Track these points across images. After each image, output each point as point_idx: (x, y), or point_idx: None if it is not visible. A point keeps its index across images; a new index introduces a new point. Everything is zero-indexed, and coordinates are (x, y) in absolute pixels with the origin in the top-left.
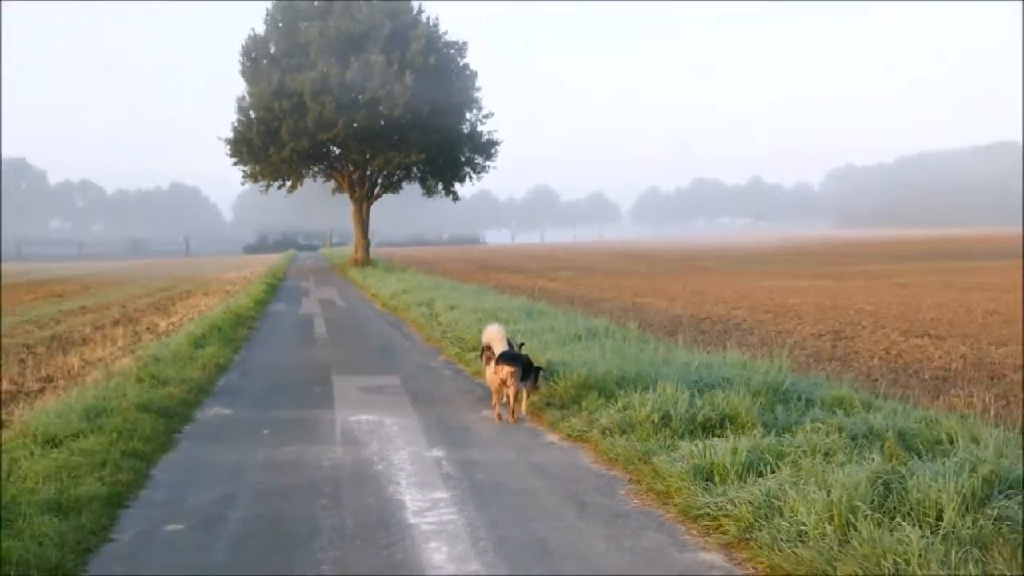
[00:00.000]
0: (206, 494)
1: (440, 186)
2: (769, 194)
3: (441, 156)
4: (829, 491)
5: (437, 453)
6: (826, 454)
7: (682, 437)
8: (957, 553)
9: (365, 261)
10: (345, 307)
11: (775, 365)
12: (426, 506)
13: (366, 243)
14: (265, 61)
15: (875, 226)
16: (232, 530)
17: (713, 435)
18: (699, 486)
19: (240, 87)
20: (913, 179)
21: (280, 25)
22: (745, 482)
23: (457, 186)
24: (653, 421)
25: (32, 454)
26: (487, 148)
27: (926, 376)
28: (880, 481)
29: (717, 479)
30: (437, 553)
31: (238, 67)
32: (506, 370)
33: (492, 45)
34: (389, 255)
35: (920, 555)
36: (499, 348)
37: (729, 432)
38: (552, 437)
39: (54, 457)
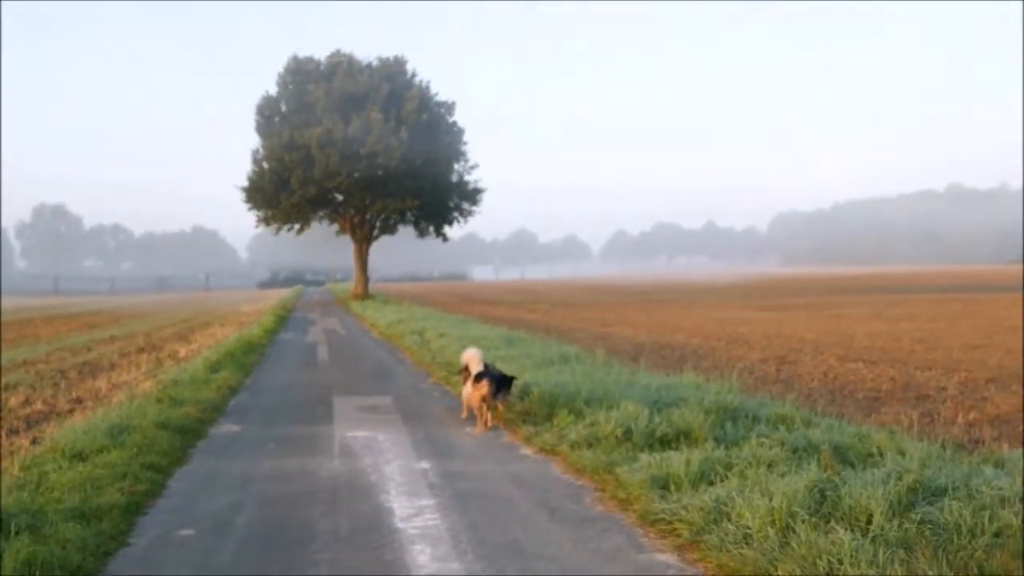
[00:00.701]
0: (216, 502)
1: (431, 228)
2: (722, 236)
3: (432, 202)
4: (771, 498)
5: (424, 465)
6: (769, 465)
7: (642, 450)
8: (884, 554)
9: (365, 295)
10: (346, 335)
11: (726, 386)
12: (413, 512)
13: (366, 279)
14: (277, 118)
15: (814, 264)
16: (238, 534)
17: (670, 448)
18: (656, 494)
19: (254, 141)
20: (847, 223)
21: (290, 86)
22: (697, 490)
23: (446, 228)
24: (616, 436)
25: (60, 467)
26: (473, 195)
27: (860, 396)
28: (817, 489)
29: (672, 488)
30: (422, 554)
31: (253, 124)
32: (485, 387)
33: (481, 99)
34: (386, 290)
35: (851, 556)
36: (476, 369)
37: (684, 446)
38: (527, 450)
39: (79, 470)
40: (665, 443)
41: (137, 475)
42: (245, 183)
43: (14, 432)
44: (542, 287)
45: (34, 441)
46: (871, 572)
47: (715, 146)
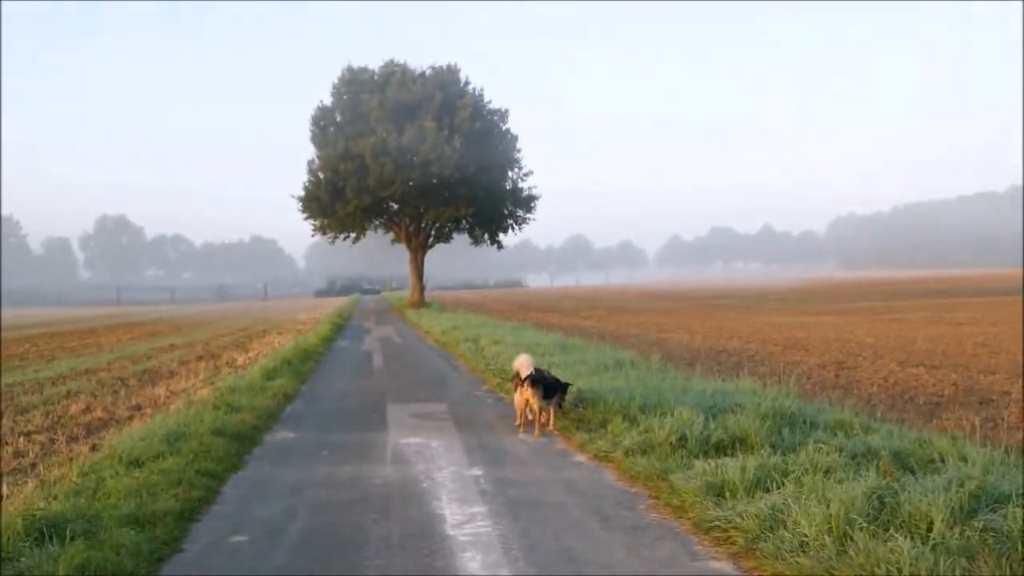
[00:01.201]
0: (269, 508)
1: (486, 236)
2: (778, 241)
3: (486, 210)
4: (828, 505)
5: (476, 472)
6: (826, 471)
7: (697, 457)
8: (945, 562)
9: (420, 303)
10: (401, 343)
11: (783, 392)
12: (464, 519)
13: (421, 287)
14: (331, 128)
15: (873, 268)
16: (290, 541)
17: (725, 455)
18: (711, 501)
19: (310, 152)
20: (906, 226)
21: (344, 97)
22: (753, 497)
23: (501, 236)
24: (671, 443)
25: (117, 474)
26: (527, 203)
27: (920, 401)
28: (875, 496)
29: (728, 495)
30: (472, 561)
31: (308, 134)
32: (528, 390)
33: (536, 106)
34: (442, 298)
35: (911, 564)
36: (524, 374)
37: (739, 452)
38: (580, 457)
39: (136, 476)
40: (720, 449)
41: (192, 481)
42: (301, 193)
43: (74, 439)
44: (597, 293)
45: (93, 448)
46: None
47: (771, 150)
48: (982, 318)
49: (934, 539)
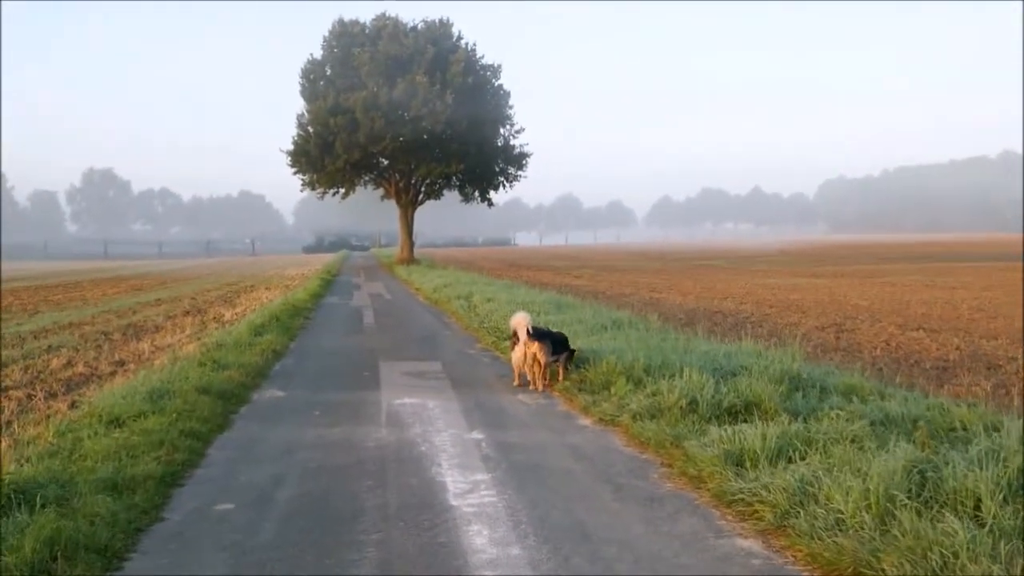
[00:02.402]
0: (257, 473)
1: (476, 193)
2: (768, 203)
3: (478, 167)
4: (865, 479)
5: (477, 435)
6: (853, 440)
7: (708, 422)
8: (1005, 547)
9: (410, 260)
10: (392, 300)
11: (788, 354)
12: (467, 488)
13: (411, 244)
14: (322, 82)
15: (863, 231)
16: (280, 510)
17: (738, 420)
18: (731, 471)
19: (299, 105)
20: (897, 190)
21: (335, 50)
22: (776, 468)
23: (492, 193)
24: (681, 406)
25: (96, 434)
26: (519, 160)
27: (927, 366)
28: (915, 469)
29: (748, 464)
30: (478, 536)
31: (298, 88)
32: (535, 344)
33: (526, 62)
34: (431, 255)
35: (968, 548)
36: (522, 334)
37: (755, 418)
38: (585, 421)
39: (115, 437)
40: (733, 414)
41: (175, 443)
42: (290, 147)
43: (53, 396)
44: (586, 252)
45: (73, 405)
46: (995, 570)
47: (762, 111)
48: (973, 283)
49: (986, 520)
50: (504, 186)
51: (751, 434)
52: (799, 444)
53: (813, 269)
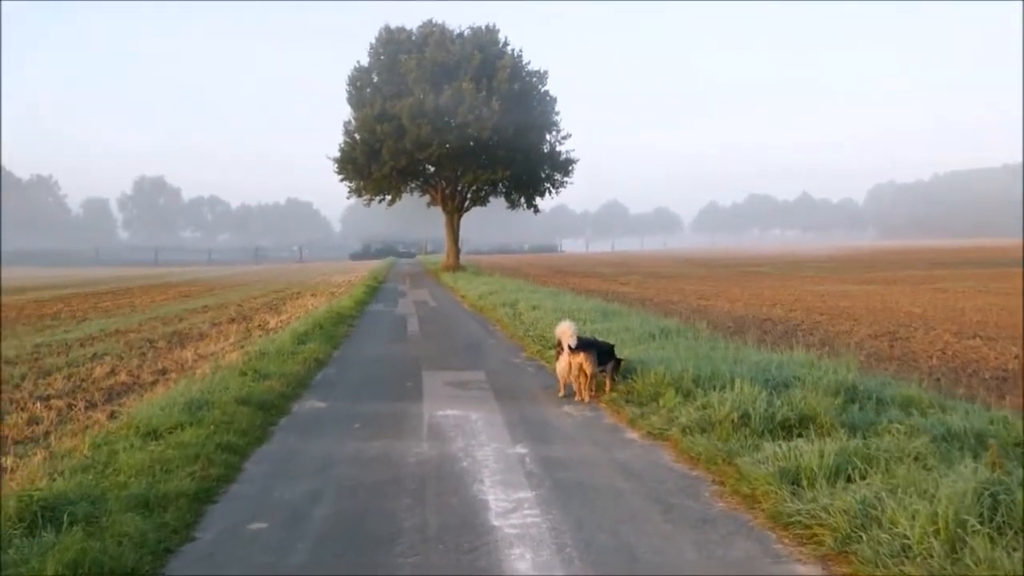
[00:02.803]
0: (293, 490)
1: (523, 200)
2: (817, 208)
3: (524, 173)
4: (932, 501)
5: (520, 450)
6: (916, 458)
7: (761, 436)
8: None
9: (456, 267)
10: (436, 307)
11: (842, 364)
12: (510, 507)
13: (457, 250)
14: (368, 89)
15: (913, 237)
16: (314, 530)
17: (792, 435)
18: (787, 490)
19: (346, 112)
20: (947, 195)
21: (382, 57)
22: (835, 488)
23: (538, 200)
24: (732, 420)
25: (131, 446)
26: (565, 166)
27: (987, 376)
28: (987, 492)
29: (805, 483)
30: (521, 560)
31: (344, 95)
32: (581, 355)
33: (573, 69)
34: (477, 262)
35: None
36: (566, 342)
37: (809, 432)
38: (632, 434)
39: (151, 450)
40: (787, 429)
41: (211, 457)
42: (337, 154)
43: (93, 405)
44: (633, 259)
45: (111, 416)
46: None
47: (811, 116)
48: None
49: None
50: (550, 192)
51: (807, 450)
52: (859, 462)
53: (863, 275)
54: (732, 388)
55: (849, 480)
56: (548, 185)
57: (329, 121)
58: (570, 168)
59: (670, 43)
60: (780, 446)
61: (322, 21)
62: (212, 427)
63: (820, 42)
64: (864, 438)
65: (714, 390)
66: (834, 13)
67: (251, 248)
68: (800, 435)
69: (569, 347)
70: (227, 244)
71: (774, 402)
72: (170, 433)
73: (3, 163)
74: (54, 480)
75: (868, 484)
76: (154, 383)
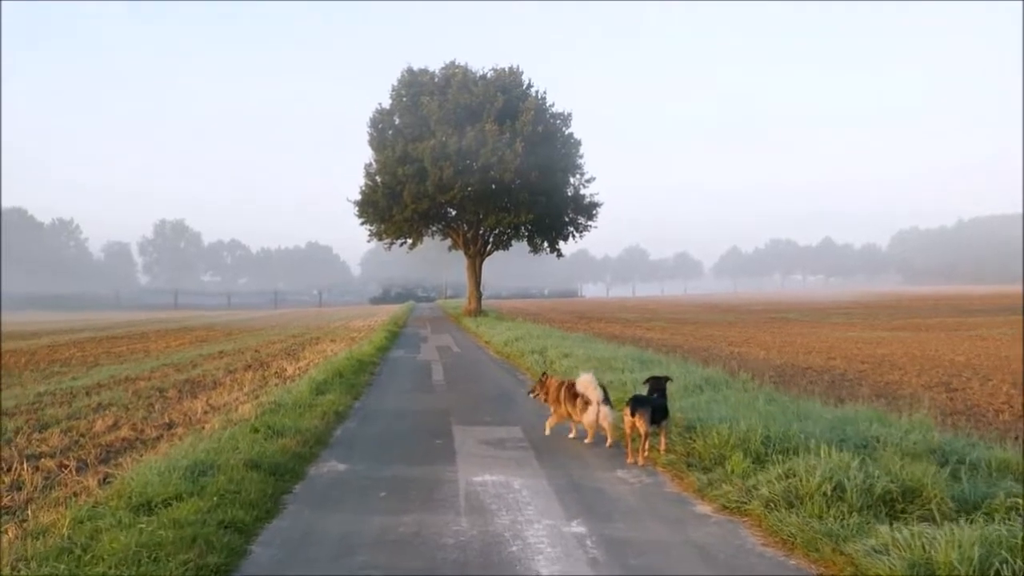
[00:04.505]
0: None
1: (545, 244)
2: (840, 254)
3: (547, 216)
4: None
5: (578, 528)
6: None
7: (859, 513)
8: None
9: (477, 311)
10: (461, 354)
11: (917, 422)
12: None
13: (479, 295)
14: (390, 131)
15: (937, 283)
16: None
17: (897, 513)
18: None
19: (367, 155)
20: (972, 240)
21: (404, 99)
22: None
23: (561, 244)
24: (825, 493)
25: (119, 523)
26: (589, 210)
27: None
28: None
29: None
30: None
31: (366, 137)
32: (639, 416)
33: (594, 114)
34: (498, 306)
35: None
36: (593, 396)
37: (915, 508)
38: (704, 507)
39: (141, 528)
40: (888, 504)
41: (211, 539)
42: (358, 196)
43: (85, 467)
44: (655, 304)
45: (104, 480)
46: None
47: (834, 162)
48: None
49: None
50: (574, 236)
51: (942, 539)
52: (1007, 555)
53: (893, 322)
54: (810, 452)
55: None
56: (571, 229)
57: (350, 164)
58: (594, 212)
59: (690, 84)
60: (900, 531)
61: (345, 59)
62: (215, 497)
63: (840, 88)
64: (990, 519)
65: (788, 454)
66: (859, 50)
67: (270, 292)
68: (903, 511)
69: (627, 403)
70: (247, 288)
71: (871, 471)
72: (166, 506)
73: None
74: (17, 572)
75: None
76: (158, 439)
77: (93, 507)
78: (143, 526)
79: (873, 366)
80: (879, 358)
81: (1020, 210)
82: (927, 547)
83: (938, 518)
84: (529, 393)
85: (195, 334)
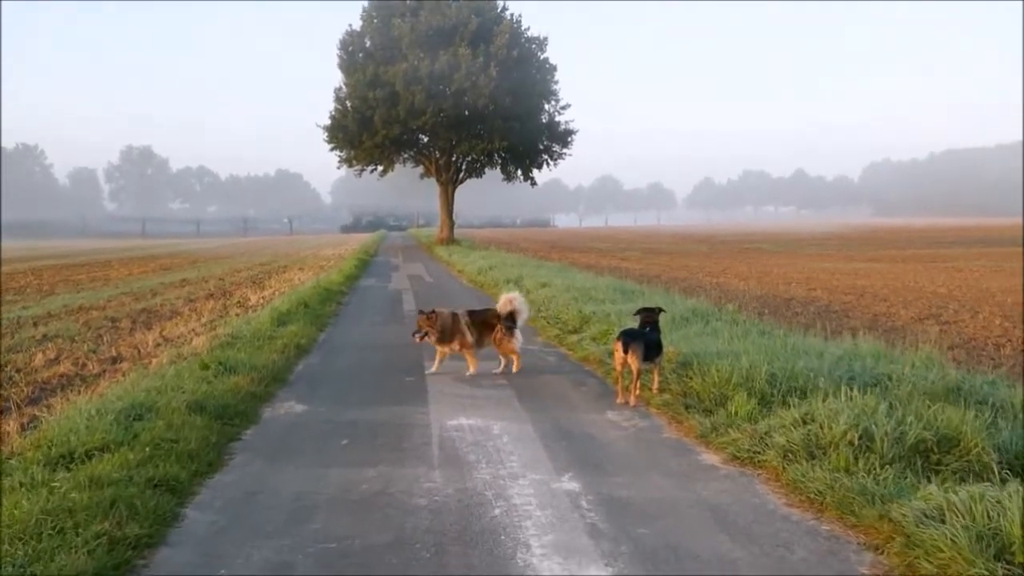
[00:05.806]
0: (248, 561)
1: (519, 172)
2: (812, 185)
3: (521, 144)
4: None
5: (570, 485)
6: None
7: (891, 465)
8: None
9: (450, 240)
10: (433, 283)
11: (924, 357)
12: None
13: (451, 223)
14: (361, 54)
15: (909, 215)
16: None
17: (935, 466)
18: (982, 561)
19: (337, 79)
20: (944, 173)
21: (375, 21)
22: None
23: (535, 172)
24: (851, 442)
25: (30, 482)
26: (564, 137)
27: None
28: None
29: (1019, 555)
30: None
31: (336, 60)
32: (632, 352)
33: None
34: (470, 235)
35: None
36: (522, 318)
37: (954, 460)
38: (710, 457)
39: (53, 489)
40: (923, 455)
41: (135, 502)
42: (328, 122)
43: (9, 408)
44: (628, 235)
45: (30, 424)
46: None
47: (807, 94)
48: None
49: None
50: (548, 164)
51: (1011, 505)
52: None
53: (867, 253)
54: (820, 392)
55: None
56: (546, 156)
57: (320, 89)
58: (569, 139)
59: (667, 22)
60: (954, 492)
61: None
62: (148, 449)
63: (818, 21)
64: None
65: (795, 394)
66: None
67: (240, 220)
68: (938, 463)
69: (618, 338)
70: (216, 215)
71: (899, 416)
72: (88, 458)
73: None
74: None
75: None
76: (101, 375)
77: (5, 460)
78: (56, 485)
79: (856, 297)
80: (860, 289)
81: (989, 144)
82: (992, 514)
83: (986, 474)
84: (414, 335)
85: (159, 262)
